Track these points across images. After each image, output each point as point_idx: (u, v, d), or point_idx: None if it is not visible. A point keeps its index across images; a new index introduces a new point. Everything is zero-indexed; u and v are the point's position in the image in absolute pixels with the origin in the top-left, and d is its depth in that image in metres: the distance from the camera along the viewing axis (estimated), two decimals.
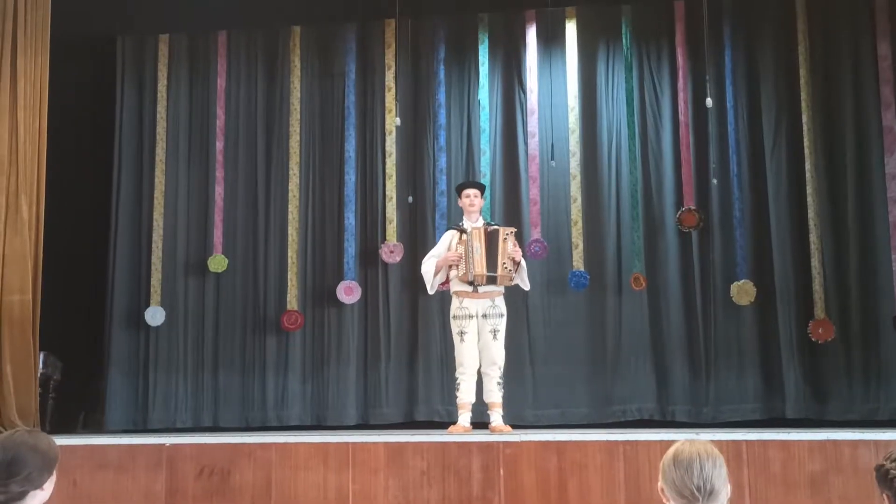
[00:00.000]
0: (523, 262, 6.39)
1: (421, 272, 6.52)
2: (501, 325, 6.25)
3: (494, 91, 8.34)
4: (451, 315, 6.35)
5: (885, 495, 2.33)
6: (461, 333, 6.23)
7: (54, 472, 2.74)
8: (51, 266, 7.04)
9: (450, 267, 6.35)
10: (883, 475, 2.33)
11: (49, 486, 2.73)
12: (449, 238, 6.48)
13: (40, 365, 7.04)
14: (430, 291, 6.58)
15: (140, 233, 8.40)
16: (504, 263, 6.18)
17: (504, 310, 6.31)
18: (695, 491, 2.36)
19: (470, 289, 6.25)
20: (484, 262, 6.16)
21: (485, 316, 6.24)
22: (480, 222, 6.48)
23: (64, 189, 7.72)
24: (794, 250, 7.79)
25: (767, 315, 7.75)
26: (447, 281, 6.44)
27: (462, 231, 6.37)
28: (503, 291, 6.35)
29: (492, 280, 6.20)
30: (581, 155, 8.10)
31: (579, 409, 7.80)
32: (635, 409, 7.76)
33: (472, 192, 6.51)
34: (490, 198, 7.94)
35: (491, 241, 6.22)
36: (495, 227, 6.38)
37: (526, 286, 6.54)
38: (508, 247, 6.23)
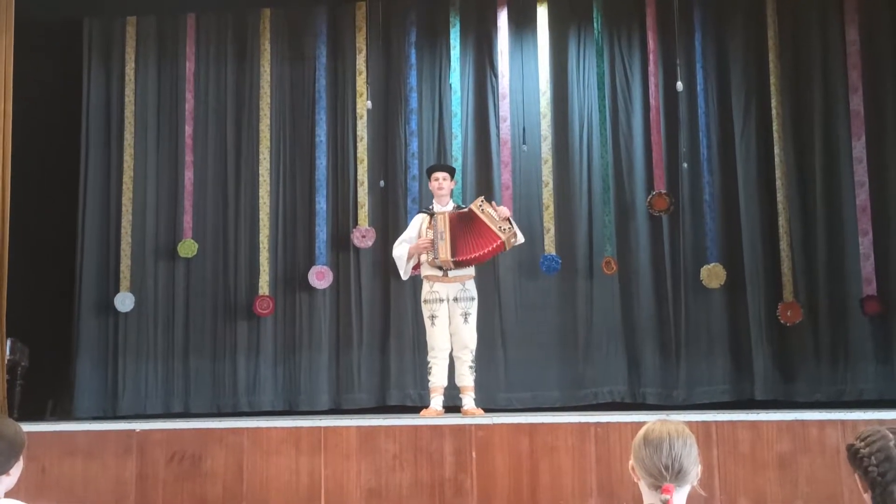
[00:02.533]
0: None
1: (393, 257, 6.49)
2: (472, 308, 6.24)
3: (466, 75, 8.32)
4: (422, 299, 6.34)
5: (857, 475, 2.37)
6: (432, 317, 6.23)
7: (21, 459, 2.73)
8: (18, 251, 6.94)
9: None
10: (853, 455, 2.36)
11: (16, 472, 2.72)
12: (419, 222, 6.43)
13: (7, 351, 6.96)
14: (404, 277, 6.54)
15: (109, 217, 8.31)
16: (501, 227, 6.12)
17: (475, 293, 6.31)
18: (663, 470, 2.38)
19: (440, 273, 6.25)
20: (448, 249, 6.14)
21: (456, 300, 6.23)
22: (450, 206, 6.44)
23: (31, 173, 7.61)
24: (763, 233, 7.84)
25: (737, 298, 7.81)
26: (419, 265, 6.43)
27: (431, 214, 6.35)
28: (474, 275, 6.34)
29: (459, 265, 6.19)
30: (552, 139, 8.10)
31: (551, 392, 7.83)
32: (606, 392, 7.81)
33: (440, 174, 6.44)
34: (462, 182, 7.94)
35: (467, 222, 6.18)
36: (464, 209, 6.34)
37: (521, 238, 6.39)
38: (491, 213, 6.17)
